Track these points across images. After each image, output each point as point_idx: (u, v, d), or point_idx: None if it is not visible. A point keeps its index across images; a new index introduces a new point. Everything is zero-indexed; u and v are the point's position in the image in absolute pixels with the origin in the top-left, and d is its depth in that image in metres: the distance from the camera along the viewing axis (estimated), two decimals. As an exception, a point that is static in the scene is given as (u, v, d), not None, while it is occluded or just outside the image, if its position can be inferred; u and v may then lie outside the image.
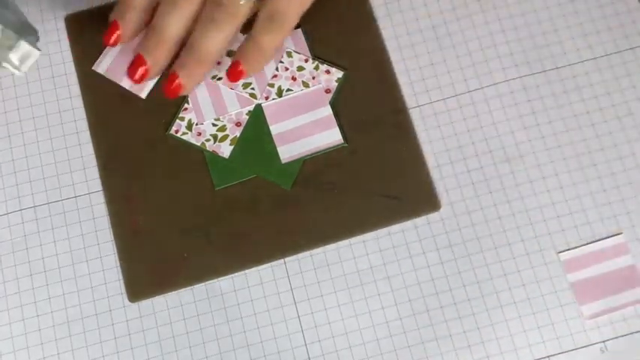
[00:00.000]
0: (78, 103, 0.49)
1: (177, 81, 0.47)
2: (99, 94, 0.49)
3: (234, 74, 0.48)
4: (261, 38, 0.46)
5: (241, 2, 0.45)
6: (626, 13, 0.49)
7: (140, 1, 0.47)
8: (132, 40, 0.49)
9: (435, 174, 0.47)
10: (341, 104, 0.48)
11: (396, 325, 0.44)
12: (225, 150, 0.48)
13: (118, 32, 0.48)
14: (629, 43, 0.49)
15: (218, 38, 0.46)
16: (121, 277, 0.46)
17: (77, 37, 0.51)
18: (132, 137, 0.48)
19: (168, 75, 0.47)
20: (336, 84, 0.49)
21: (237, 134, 0.48)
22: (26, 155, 0.48)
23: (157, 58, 0.47)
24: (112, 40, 0.48)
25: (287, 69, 0.48)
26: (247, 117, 0.48)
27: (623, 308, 0.44)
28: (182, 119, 0.48)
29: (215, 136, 0.48)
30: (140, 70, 0.47)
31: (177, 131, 0.48)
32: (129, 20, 0.47)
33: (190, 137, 0.48)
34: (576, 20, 0.50)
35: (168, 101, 0.48)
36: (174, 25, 0.46)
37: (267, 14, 0.46)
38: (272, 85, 0.48)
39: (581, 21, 0.49)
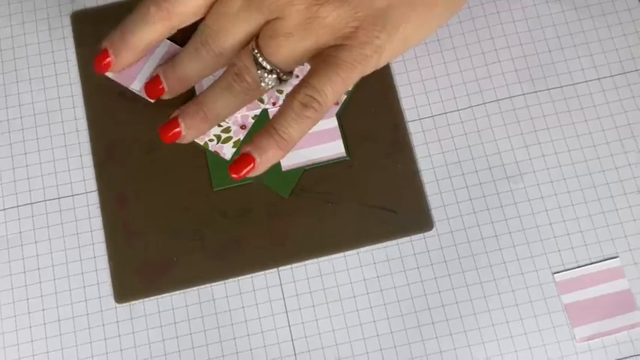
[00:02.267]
0: (79, 101, 0.49)
1: (178, 129, 0.45)
2: (100, 93, 0.49)
3: (242, 165, 0.44)
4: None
5: (264, 85, 0.43)
6: (634, 35, 0.49)
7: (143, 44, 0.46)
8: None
9: (433, 188, 0.46)
10: (345, 117, 0.48)
11: (387, 339, 0.44)
12: (228, 152, 0.48)
13: (108, 59, 0.46)
14: (635, 64, 0.48)
15: (232, 105, 0.45)
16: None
17: (82, 35, 0.51)
18: (131, 137, 0.48)
19: (170, 119, 0.46)
20: (345, 96, 0.48)
21: (241, 137, 0.48)
22: (25, 152, 0.48)
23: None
24: (101, 68, 0.47)
25: (297, 77, 0.48)
26: (253, 121, 0.48)
27: (617, 332, 0.43)
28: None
29: (219, 137, 0.48)
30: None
31: (181, 129, 0.48)
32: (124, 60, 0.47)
33: (194, 136, 0.48)
34: (583, 40, 0.49)
35: (172, 101, 0.48)
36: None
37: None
38: (280, 92, 0.48)
39: (587, 40, 0.49)
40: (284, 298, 0.45)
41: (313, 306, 0.45)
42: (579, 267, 0.45)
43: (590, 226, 0.45)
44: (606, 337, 0.43)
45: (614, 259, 0.45)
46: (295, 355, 0.44)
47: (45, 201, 0.47)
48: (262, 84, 0.43)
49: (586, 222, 0.45)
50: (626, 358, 0.43)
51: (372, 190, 0.46)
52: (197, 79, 0.46)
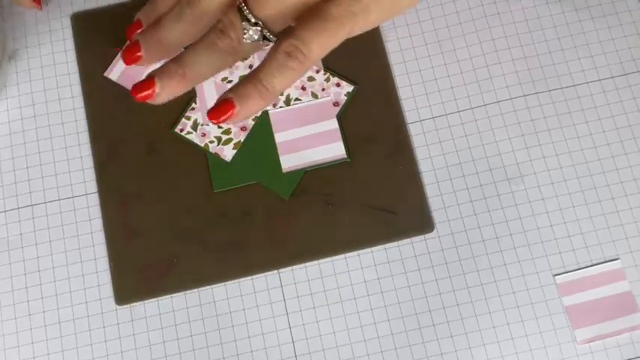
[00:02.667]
0: (79, 103, 0.49)
1: (152, 88, 0.43)
2: (100, 95, 0.49)
3: (221, 110, 0.42)
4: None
5: (246, 38, 0.41)
6: (635, 36, 0.49)
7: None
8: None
9: (434, 190, 0.46)
10: (345, 118, 0.48)
11: (388, 341, 0.44)
12: (228, 153, 0.48)
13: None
14: (636, 65, 0.48)
15: (213, 65, 0.43)
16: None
17: (82, 36, 0.51)
18: (131, 138, 0.48)
19: (145, 77, 0.43)
20: (345, 98, 0.48)
21: (242, 139, 0.48)
22: (26, 154, 0.48)
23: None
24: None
25: None
26: (253, 123, 0.48)
27: (618, 335, 0.43)
28: (188, 118, 0.48)
29: (219, 139, 0.48)
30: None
31: (182, 130, 0.48)
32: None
33: (194, 137, 0.48)
34: (583, 41, 0.49)
35: (171, 103, 0.48)
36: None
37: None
38: (281, 94, 0.48)
39: (588, 42, 0.49)
40: (285, 300, 0.45)
41: (314, 308, 0.45)
42: (580, 269, 0.45)
43: (591, 228, 0.45)
44: (607, 339, 0.43)
45: (615, 261, 0.45)
46: (296, 356, 0.44)
47: (45, 203, 0.47)
48: (245, 37, 0.41)
49: (587, 224, 0.45)
50: (627, 360, 0.43)
51: (373, 192, 0.46)
52: (178, 45, 0.44)
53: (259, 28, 0.40)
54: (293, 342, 0.44)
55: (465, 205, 0.46)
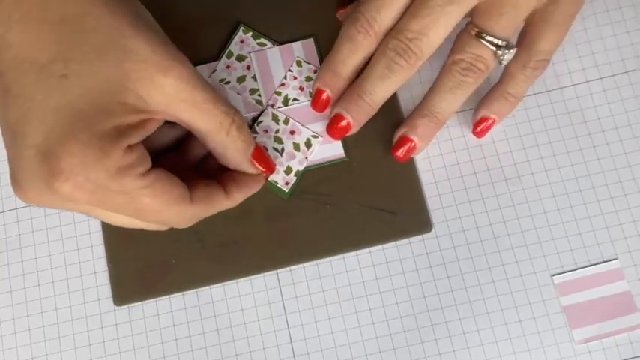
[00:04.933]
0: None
1: (412, 144, 0.44)
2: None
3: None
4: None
5: (504, 62, 0.42)
6: (637, 32, 0.48)
7: (346, 70, 0.44)
8: None
9: (432, 190, 0.46)
10: (344, 118, 0.48)
11: (386, 341, 0.44)
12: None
13: (325, 94, 0.45)
14: (638, 62, 0.48)
15: (460, 102, 0.43)
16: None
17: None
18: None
19: (400, 136, 0.45)
20: None
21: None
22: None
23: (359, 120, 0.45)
24: (320, 107, 0.46)
25: (295, 78, 0.48)
26: (252, 123, 0.48)
27: (616, 334, 0.43)
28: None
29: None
30: (342, 130, 0.45)
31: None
32: (335, 88, 0.45)
33: (194, 138, 0.48)
34: (584, 38, 0.49)
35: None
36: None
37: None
38: (279, 93, 0.48)
39: (589, 39, 0.49)
40: (283, 300, 0.45)
41: (312, 308, 0.45)
42: (578, 269, 0.45)
43: (589, 228, 0.45)
44: (605, 338, 0.43)
45: (613, 261, 0.45)
46: (294, 357, 0.44)
47: (44, 203, 0.47)
48: (503, 61, 0.42)
49: (585, 223, 0.45)
50: (625, 360, 0.43)
51: (372, 192, 0.46)
52: (386, 99, 0.44)
53: (515, 48, 0.41)
54: (291, 342, 0.45)
55: (463, 206, 0.46)
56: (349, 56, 0.43)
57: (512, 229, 0.45)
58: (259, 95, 0.48)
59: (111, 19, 0.34)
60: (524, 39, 0.43)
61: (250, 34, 0.49)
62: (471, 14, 0.41)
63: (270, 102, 0.48)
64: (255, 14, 0.49)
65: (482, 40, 0.40)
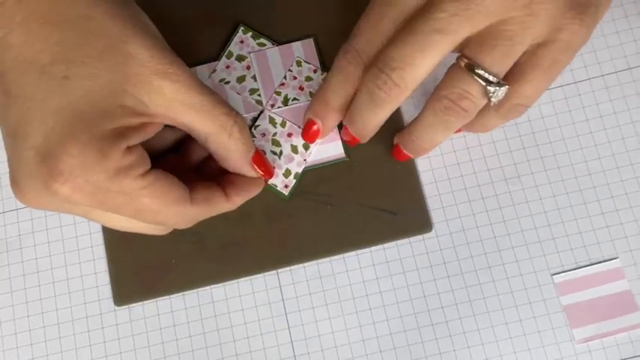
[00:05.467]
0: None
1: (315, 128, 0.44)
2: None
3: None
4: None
5: (494, 100, 0.38)
6: None
7: (337, 101, 0.43)
8: None
9: (432, 190, 0.46)
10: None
11: (387, 341, 0.44)
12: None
13: (315, 127, 0.44)
14: (640, 60, 0.48)
15: (443, 138, 0.42)
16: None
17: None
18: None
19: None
20: None
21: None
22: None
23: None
24: (311, 138, 0.45)
25: (295, 78, 0.48)
26: (251, 123, 0.48)
27: (617, 334, 0.43)
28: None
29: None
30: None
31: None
32: (325, 119, 0.44)
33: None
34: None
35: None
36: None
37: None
38: (278, 93, 0.48)
39: (591, 36, 0.48)
40: (283, 300, 0.45)
41: (312, 308, 0.45)
42: (579, 268, 0.44)
43: (589, 227, 0.45)
44: (606, 338, 0.43)
45: (614, 260, 0.44)
46: (295, 357, 0.44)
47: (44, 204, 0.47)
48: (493, 99, 0.38)
49: (585, 223, 0.45)
50: (625, 359, 0.43)
51: (372, 192, 0.46)
52: (376, 129, 0.43)
53: (507, 86, 0.38)
54: (292, 342, 0.45)
55: (463, 205, 0.46)
56: (340, 87, 0.42)
57: (512, 229, 0.45)
58: (259, 95, 0.48)
59: (112, 23, 0.35)
60: (507, 79, 0.39)
61: (250, 34, 0.49)
62: (463, 46, 0.38)
63: (271, 102, 0.48)
64: (255, 14, 0.49)
65: (472, 74, 0.37)
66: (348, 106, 0.43)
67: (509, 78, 0.38)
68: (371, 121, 0.41)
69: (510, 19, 0.36)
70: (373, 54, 0.40)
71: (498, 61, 0.37)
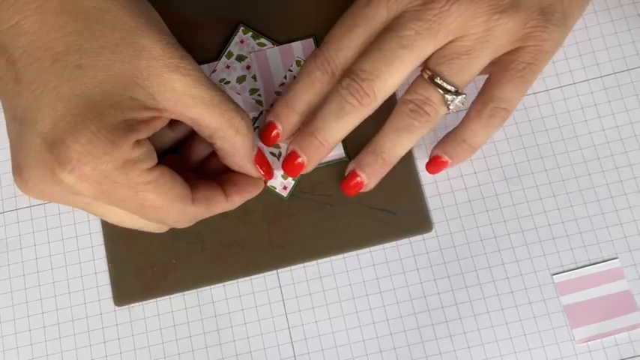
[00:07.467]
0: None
1: (359, 179, 0.44)
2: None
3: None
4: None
5: (452, 108, 0.41)
6: (639, 30, 0.48)
7: (301, 106, 0.43)
8: None
9: (432, 190, 0.46)
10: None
11: (387, 341, 0.44)
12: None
13: (276, 131, 0.44)
14: (640, 61, 0.48)
15: (409, 145, 0.43)
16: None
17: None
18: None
19: (348, 172, 0.44)
20: None
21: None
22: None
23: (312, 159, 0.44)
24: (269, 141, 0.44)
25: (295, 78, 0.48)
26: (251, 123, 0.48)
27: (616, 334, 0.43)
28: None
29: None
30: (296, 167, 0.44)
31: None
32: (287, 123, 0.44)
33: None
34: (585, 36, 0.49)
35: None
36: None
37: None
38: (279, 93, 0.48)
39: (590, 37, 0.49)
40: (283, 300, 0.45)
41: (312, 308, 0.45)
42: (578, 268, 0.45)
43: (589, 227, 0.45)
44: (606, 338, 0.43)
45: (613, 260, 0.44)
46: (295, 357, 0.44)
47: (44, 204, 0.47)
48: (451, 108, 0.41)
49: (585, 223, 0.45)
50: (625, 359, 0.43)
51: (372, 192, 0.46)
52: (340, 140, 0.43)
53: (465, 95, 0.40)
54: (292, 342, 0.45)
55: (463, 205, 0.46)
56: (305, 91, 0.42)
57: (512, 229, 0.45)
58: (259, 95, 0.48)
59: (127, 17, 0.35)
60: (483, 86, 0.42)
61: (250, 34, 0.49)
62: (427, 59, 0.40)
63: (271, 102, 0.48)
64: (255, 14, 0.49)
65: (432, 83, 0.40)
66: (310, 112, 0.43)
67: (485, 84, 0.42)
68: (336, 131, 0.42)
69: (469, 36, 0.39)
70: (341, 62, 0.42)
71: (456, 73, 0.40)
